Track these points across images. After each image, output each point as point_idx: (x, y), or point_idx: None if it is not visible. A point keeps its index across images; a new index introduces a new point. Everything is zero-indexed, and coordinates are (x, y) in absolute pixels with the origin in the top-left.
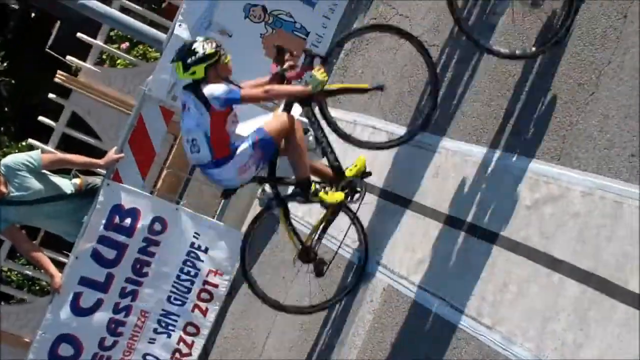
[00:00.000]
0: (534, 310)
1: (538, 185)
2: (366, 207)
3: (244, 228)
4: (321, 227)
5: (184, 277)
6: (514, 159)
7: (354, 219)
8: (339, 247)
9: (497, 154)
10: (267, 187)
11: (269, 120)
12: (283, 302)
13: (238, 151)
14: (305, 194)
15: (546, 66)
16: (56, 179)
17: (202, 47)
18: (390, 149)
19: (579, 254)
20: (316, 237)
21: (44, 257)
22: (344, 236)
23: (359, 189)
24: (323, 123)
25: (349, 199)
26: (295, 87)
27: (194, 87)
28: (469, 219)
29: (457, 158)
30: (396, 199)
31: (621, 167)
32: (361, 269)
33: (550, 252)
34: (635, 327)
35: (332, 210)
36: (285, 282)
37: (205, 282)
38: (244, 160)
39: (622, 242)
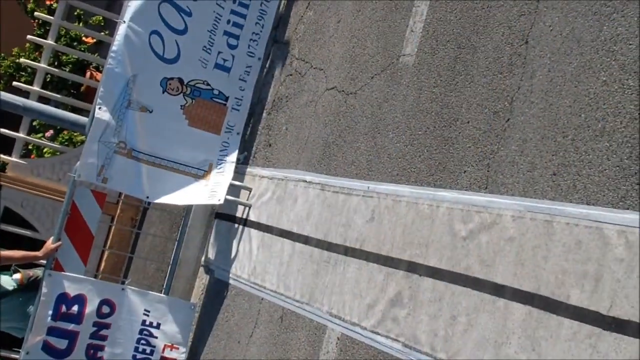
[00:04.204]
0: (486, 337)
1: (470, 215)
2: (304, 259)
3: (193, 299)
4: None
5: (140, 356)
6: (444, 193)
7: None
8: None
9: (427, 191)
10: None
11: None
12: None
13: None
14: None
15: (461, 100)
16: None
17: None
18: None
19: (520, 277)
20: None
21: None
22: None
23: None
24: None
25: None
26: None
27: None
28: (410, 258)
29: (390, 200)
30: (334, 248)
31: (546, 187)
32: None
33: (492, 278)
34: (581, 338)
35: None
36: None
37: (163, 358)
38: None
39: (559, 259)
